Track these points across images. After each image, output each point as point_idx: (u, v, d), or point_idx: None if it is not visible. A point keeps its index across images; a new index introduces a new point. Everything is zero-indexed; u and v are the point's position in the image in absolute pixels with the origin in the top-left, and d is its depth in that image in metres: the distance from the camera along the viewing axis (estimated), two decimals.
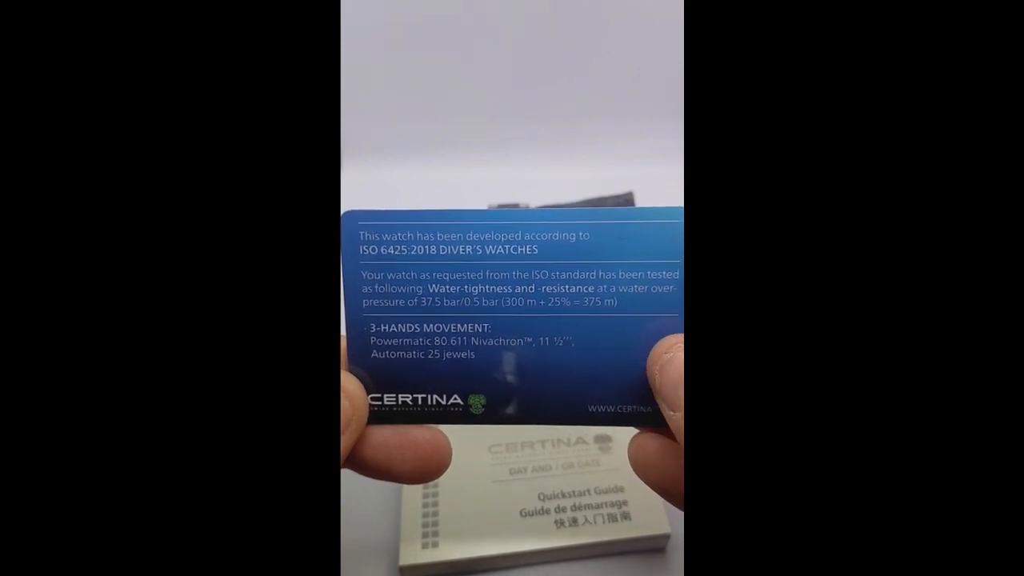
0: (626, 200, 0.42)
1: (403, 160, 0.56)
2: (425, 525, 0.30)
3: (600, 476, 0.32)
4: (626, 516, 0.31)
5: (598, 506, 0.31)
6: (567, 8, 0.52)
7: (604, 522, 0.30)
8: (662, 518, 0.30)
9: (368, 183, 0.54)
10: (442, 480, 0.32)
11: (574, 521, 0.30)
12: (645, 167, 0.52)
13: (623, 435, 0.33)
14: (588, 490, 0.32)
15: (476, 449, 0.34)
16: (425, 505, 0.31)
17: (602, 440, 0.34)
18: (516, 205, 0.42)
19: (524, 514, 0.31)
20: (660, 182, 0.49)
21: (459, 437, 0.32)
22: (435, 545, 0.30)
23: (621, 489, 0.32)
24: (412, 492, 0.32)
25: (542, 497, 0.31)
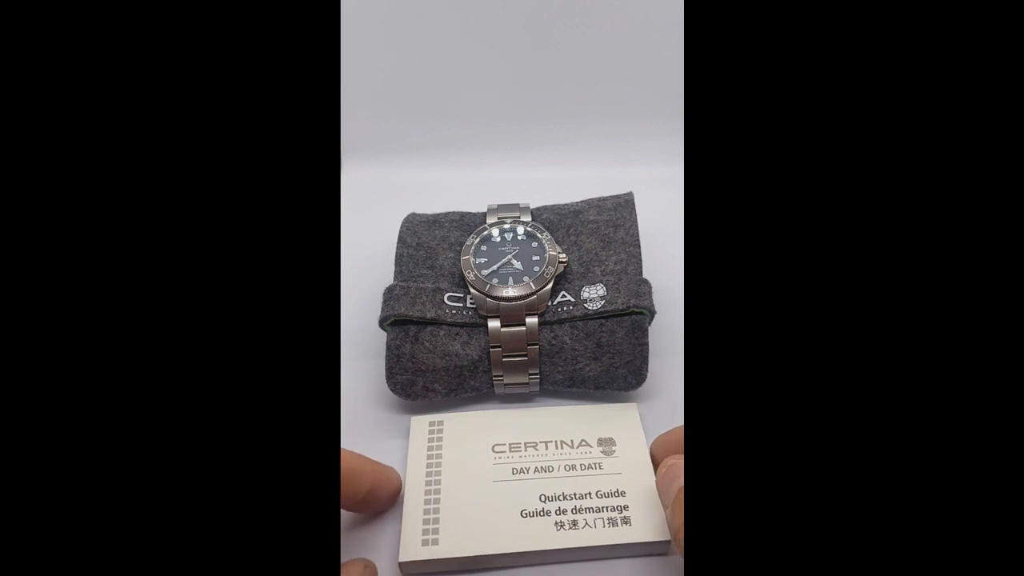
0: (626, 200, 0.42)
1: (403, 160, 0.56)
2: (426, 523, 0.30)
3: (602, 480, 0.32)
4: (626, 521, 0.30)
5: (599, 510, 0.31)
6: (567, 8, 0.52)
7: (604, 526, 0.30)
8: (662, 524, 0.30)
9: (368, 183, 0.54)
10: (444, 478, 0.32)
11: (574, 524, 0.30)
12: (645, 167, 0.52)
13: (626, 439, 0.34)
14: (590, 493, 0.32)
15: (479, 448, 0.34)
16: (427, 503, 0.31)
17: (605, 443, 0.34)
18: (516, 205, 0.42)
19: (525, 515, 0.31)
20: (660, 182, 0.49)
21: (462, 435, 0.34)
22: (435, 543, 0.30)
23: (623, 494, 0.32)
24: (414, 489, 0.32)
25: (543, 498, 0.31)
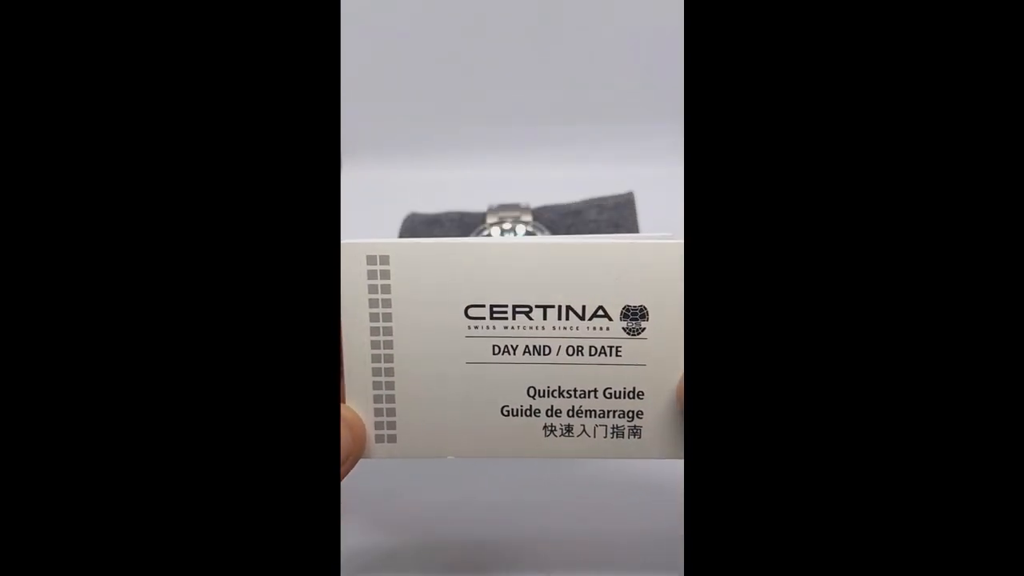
0: (626, 200, 0.42)
1: (403, 160, 0.56)
2: (379, 413, 0.24)
3: (617, 373, 0.23)
4: (635, 432, 0.24)
5: (604, 413, 0.24)
6: (567, 8, 0.52)
7: (607, 436, 0.24)
8: (678, 442, 0.24)
9: (368, 183, 0.54)
10: (399, 353, 0.24)
11: (568, 429, 0.24)
12: (645, 167, 0.52)
13: (667, 310, 0.23)
14: (596, 390, 0.24)
15: (447, 310, 0.23)
16: (377, 385, 0.24)
17: (633, 316, 0.23)
18: (516, 205, 0.42)
19: (506, 412, 0.24)
20: (660, 182, 0.49)
21: (421, 283, 0.23)
22: (392, 439, 0.24)
23: (640, 395, 0.23)
24: (356, 363, 0.23)
25: (533, 393, 0.24)
